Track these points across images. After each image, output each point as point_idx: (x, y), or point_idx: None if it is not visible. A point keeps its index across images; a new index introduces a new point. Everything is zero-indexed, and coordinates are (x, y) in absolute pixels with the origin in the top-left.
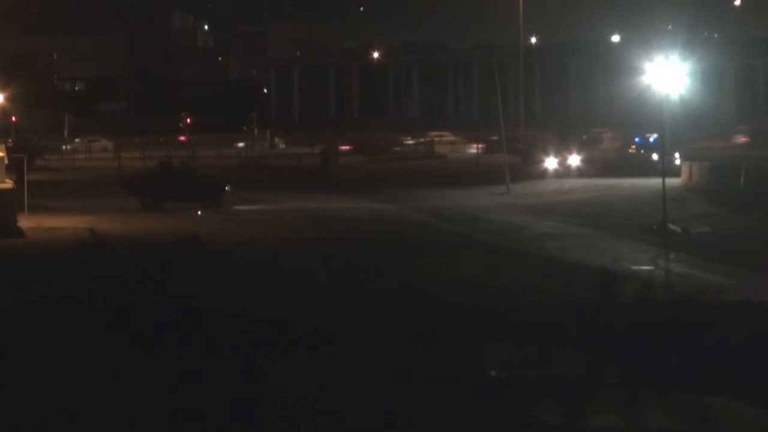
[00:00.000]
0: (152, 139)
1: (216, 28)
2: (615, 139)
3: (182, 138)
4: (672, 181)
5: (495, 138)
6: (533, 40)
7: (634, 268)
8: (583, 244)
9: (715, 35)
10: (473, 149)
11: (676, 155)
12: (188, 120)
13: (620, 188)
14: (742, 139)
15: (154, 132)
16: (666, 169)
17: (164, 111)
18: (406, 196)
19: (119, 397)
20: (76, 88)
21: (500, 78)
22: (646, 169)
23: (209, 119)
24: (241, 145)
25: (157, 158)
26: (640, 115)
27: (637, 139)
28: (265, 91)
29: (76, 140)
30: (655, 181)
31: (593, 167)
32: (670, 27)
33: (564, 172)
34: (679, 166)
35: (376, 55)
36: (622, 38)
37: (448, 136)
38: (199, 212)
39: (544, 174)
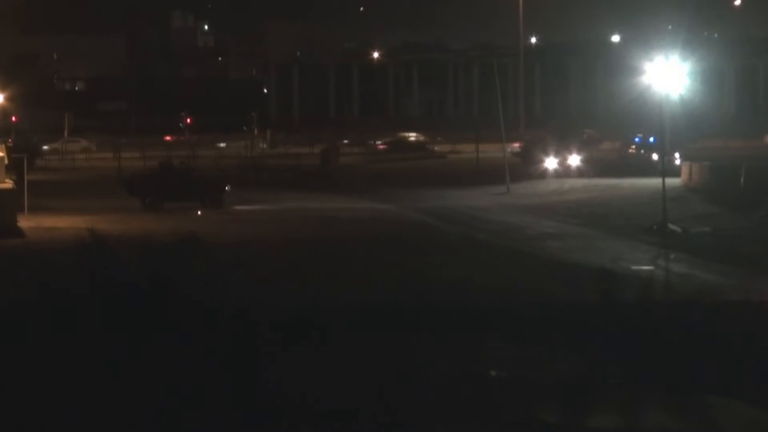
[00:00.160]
0: (134, 140)
1: (216, 28)
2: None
3: (168, 138)
4: (672, 181)
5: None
6: (533, 40)
7: (634, 268)
8: (583, 244)
9: (715, 35)
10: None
11: (676, 155)
12: (188, 120)
13: (620, 188)
14: None
15: (155, 132)
16: (666, 169)
17: (164, 111)
18: (406, 196)
19: (118, 396)
20: (76, 88)
21: (500, 78)
22: (646, 169)
23: (209, 119)
24: (222, 145)
25: (157, 158)
26: (640, 115)
27: (636, 139)
28: (265, 91)
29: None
30: (655, 181)
31: (593, 167)
32: (670, 27)
33: (564, 172)
34: (679, 166)
35: (376, 55)
36: (622, 38)
37: (418, 137)
38: (199, 212)
39: (544, 174)
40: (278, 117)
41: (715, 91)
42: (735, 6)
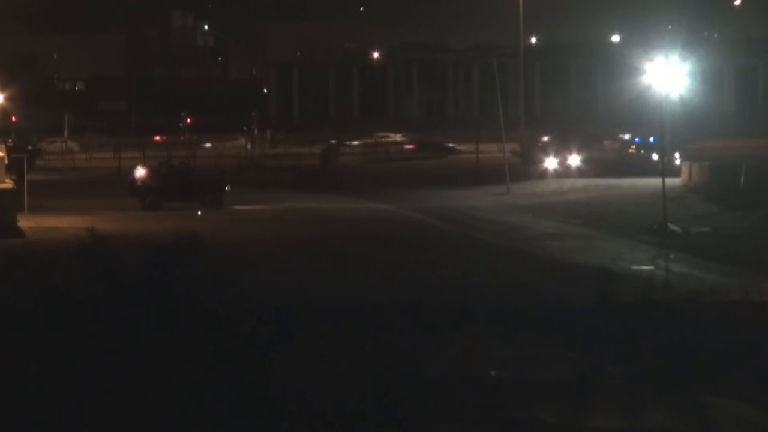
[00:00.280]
0: (130, 140)
1: (216, 28)
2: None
3: (157, 138)
4: (672, 181)
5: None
6: (533, 40)
7: (634, 268)
8: (583, 244)
9: (715, 35)
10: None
11: (676, 155)
12: (188, 120)
13: (620, 188)
14: None
15: (155, 132)
16: (666, 169)
17: (164, 111)
18: (406, 196)
19: (118, 396)
20: (76, 88)
21: (500, 78)
22: (646, 169)
23: (209, 119)
24: (208, 145)
25: (157, 158)
26: (641, 114)
27: (637, 139)
28: (265, 91)
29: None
30: (655, 181)
31: (593, 167)
32: (670, 27)
33: (564, 172)
34: (679, 166)
35: (376, 55)
36: (622, 38)
37: (394, 137)
38: (199, 212)
39: (544, 174)
40: (278, 117)
41: (714, 91)
42: (735, 6)
